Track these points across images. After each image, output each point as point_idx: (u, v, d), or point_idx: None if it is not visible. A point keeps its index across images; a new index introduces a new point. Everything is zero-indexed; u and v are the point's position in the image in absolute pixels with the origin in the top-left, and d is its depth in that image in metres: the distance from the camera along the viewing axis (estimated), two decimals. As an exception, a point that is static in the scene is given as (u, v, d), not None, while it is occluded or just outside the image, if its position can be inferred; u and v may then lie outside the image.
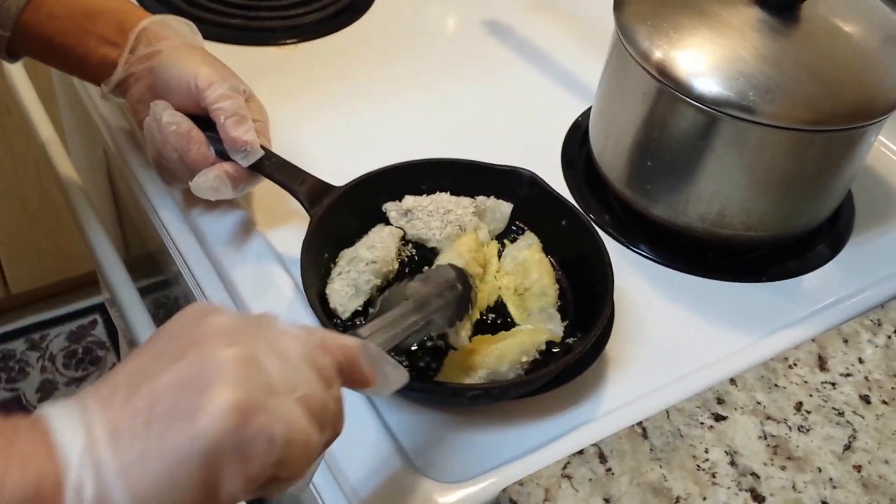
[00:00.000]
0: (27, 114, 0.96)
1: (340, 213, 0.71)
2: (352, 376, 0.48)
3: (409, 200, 0.74)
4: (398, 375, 0.52)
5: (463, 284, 0.64)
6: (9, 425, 0.40)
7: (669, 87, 0.69)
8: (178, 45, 0.73)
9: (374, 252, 0.69)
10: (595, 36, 0.76)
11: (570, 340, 0.68)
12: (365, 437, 0.61)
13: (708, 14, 0.71)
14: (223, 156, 0.71)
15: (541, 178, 0.74)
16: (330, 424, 0.45)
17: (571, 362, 0.63)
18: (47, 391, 1.85)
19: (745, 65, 0.67)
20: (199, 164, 0.71)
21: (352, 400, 0.63)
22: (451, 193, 0.75)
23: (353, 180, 0.72)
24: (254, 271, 0.72)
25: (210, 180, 0.70)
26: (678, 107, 0.69)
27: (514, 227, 0.76)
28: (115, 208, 1.07)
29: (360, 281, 0.68)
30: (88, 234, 0.84)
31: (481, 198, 0.75)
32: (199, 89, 0.70)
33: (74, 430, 0.39)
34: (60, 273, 1.86)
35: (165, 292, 0.94)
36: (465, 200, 0.75)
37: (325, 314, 0.66)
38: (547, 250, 0.73)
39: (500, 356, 0.64)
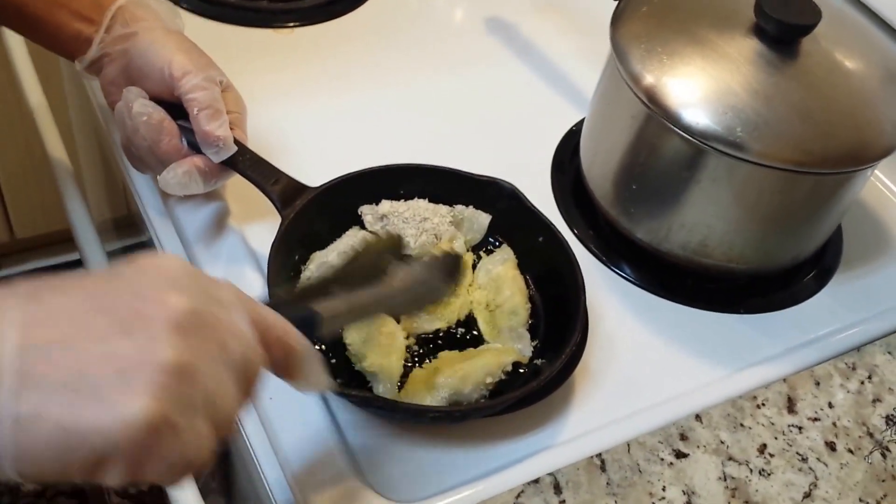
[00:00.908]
0: (19, 80, 0.95)
1: (313, 215, 0.70)
2: (282, 369, 0.48)
3: (385, 205, 0.73)
4: (322, 382, 0.51)
5: (445, 281, 0.65)
6: None
7: (657, 114, 0.67)
8: (155, 29, 0.71)
9: (344, 258, 0.69)
10: (601, 43, 0.74)
11: (538, 362, 0.67)
12: (321, 447, 0.61)
13: (704, 42, 0.68)
14: (195, 147, 0.70)
15: (521, 193, 0.73)
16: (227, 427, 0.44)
17: (535, 389, 0.63)
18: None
19: (737, 99, 0.65)
20: (170, 156, 0.69)
21: (310, 410, 0.63)
22: (430, 200, 0.74)
23: (329, 182, 0.71)
24: (225, 267, 0.71)
25: (179, 176, 0.68)
26: (665, 135, 0.68)
27: (490, 239, 0.75)
28: (119, 163, 1.07)
29: None
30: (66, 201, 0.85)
31: (460, 207, 0.74)
32: (173, 77, 0.68)
33: None
34: (65, 222, 1.86)
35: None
36: (443, 209, 0.74)
37: None
38: (522, 265, 0.72)
39: (463, 377, 0.64)
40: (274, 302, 0.52)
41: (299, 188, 0.70)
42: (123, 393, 0.37)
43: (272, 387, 0.63)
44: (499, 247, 0.74)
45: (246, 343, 0.44)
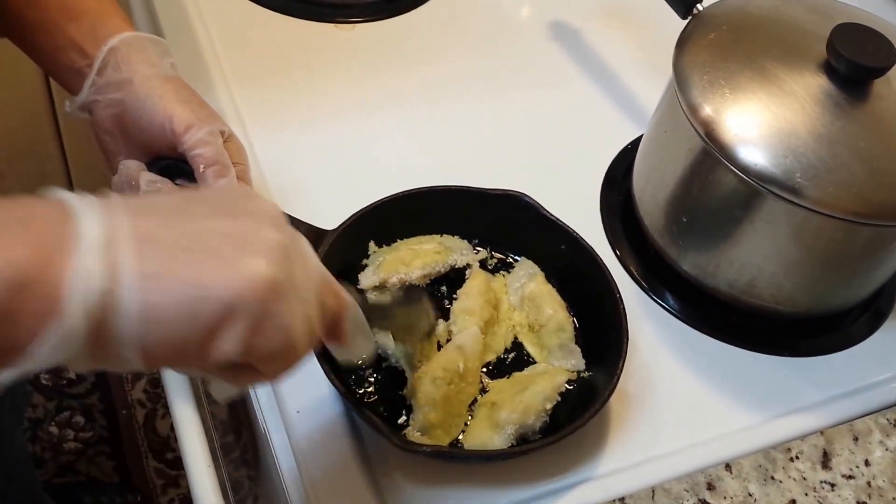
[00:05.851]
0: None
1: (334, 258, 0.67)
2: (332, 327, 0.49)
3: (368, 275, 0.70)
4: (367, 347, 0.54)
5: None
6: (20, 206, 0.38)
7: (713, 149, 0.65)
8: (151, 77, 0.66)
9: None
10: (666, 60, 0.71)
11: (584, 374, 0.67)
12: (345, 471, 0.61)
13: (770, 77, 0.66)
14: None
15: (535, 201, 0.71)
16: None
17: (600, 408, 0.61)
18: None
19: (798, 141, 0.63)
20: None
21: (335, 429, 0.63)
22: (444, 224, 0.73)
23: (343, 224, 0.69)
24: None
25: None
26: (720, 171, 0.66)
27: (508, 253, 0.74)
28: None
29: None
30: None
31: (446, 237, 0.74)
32: (174, 133, 0.64)
33: (96, 220, 0.38)
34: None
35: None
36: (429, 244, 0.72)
37: None
38: (546, 276, 0.71)
39: (525, 409, 0.62)
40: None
41: (318, 234, 0.68)
42: (243, 254, 0.40)
43: (300, 401, 0.64)
44: (518, 262, 0.73)
45: (318, 286, 0.46)
